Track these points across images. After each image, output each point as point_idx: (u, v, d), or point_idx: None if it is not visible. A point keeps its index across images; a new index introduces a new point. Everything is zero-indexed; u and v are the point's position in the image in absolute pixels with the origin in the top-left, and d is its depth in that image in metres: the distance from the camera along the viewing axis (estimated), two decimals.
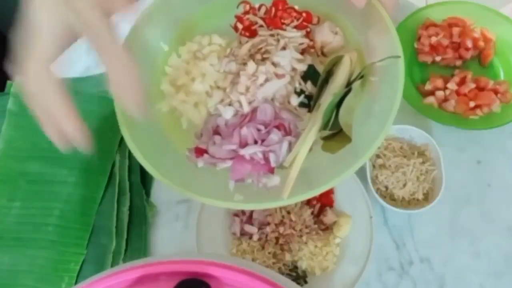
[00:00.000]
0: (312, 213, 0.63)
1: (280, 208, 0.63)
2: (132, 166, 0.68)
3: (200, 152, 0.50)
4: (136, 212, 0.65)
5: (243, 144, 0.49)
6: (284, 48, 0.54)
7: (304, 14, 0.57)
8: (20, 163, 0.67)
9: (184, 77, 0.54)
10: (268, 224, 0.62)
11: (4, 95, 0.73)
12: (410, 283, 0.62)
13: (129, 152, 0.68)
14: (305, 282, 0.60)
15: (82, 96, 0.72)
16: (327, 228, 0.63)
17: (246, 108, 0.51)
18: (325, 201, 0.64)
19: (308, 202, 0.64)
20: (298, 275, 0.61)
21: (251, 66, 0.52)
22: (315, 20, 0.58)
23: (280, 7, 0.57)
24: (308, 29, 0.57)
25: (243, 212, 0.63)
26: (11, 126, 0.70)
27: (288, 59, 0.53)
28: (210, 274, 0.38)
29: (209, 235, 0.62)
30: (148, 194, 0.68)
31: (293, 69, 0.53)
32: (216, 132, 0.51)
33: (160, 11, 0.56)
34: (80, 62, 0.80)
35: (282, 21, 0.57)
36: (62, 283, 0.61)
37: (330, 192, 0.64)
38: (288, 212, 0.63)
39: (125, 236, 0.63)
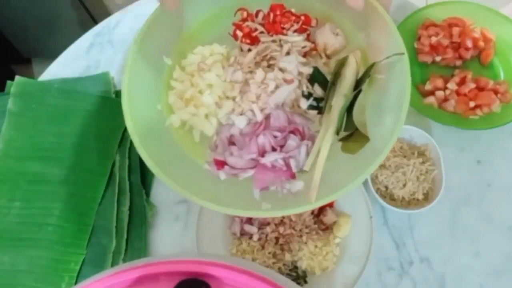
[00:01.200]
0: (312, 213, 0.63)
1: None
2: (132, 166, 0.68)
3: (220, 164, 0.50)
4: (136, 212, 0.65)
5: (262, 152, 0.49)
6: (288, 53, 0.54)
7: (302, 17, 0.57)
8: (20, 163, 0.67)
9: (191, 89, 0.54)
10: (268, 224, 0.62)
11: (4, 95, 0.73)
12: (410, 283, 0.62)
13: (129, 152, 0.68)
14: (305, 282, 0.60)
15: (82, 96, 0.72)
16: (327, 228, 0.63)
17: (260, 116, 0.51)
18: None
19: None
20: (298, 275, 0.61)
21: (260, 74, 0.52)
22: (314, 22, 0.58)
23: (278, 12, 0.57)
24: (308, 32, 0.57)
25: None
26: (11, 126, 0.70)
27: (295, 64, 0.53)
28: (210, 274, 0.38)
29: (209, 235, 0.62)
30: (148, 194, 0.68)
31: (299, 73, 0.53)
32: (231, 142, 0.51)
33: (158, 25, 0.56)
34: (80, 62, 0.80)
35: (282, 25, 0.57)
36: (62, 283, 0.61)
37: None
38: None
39: (125, 236, 0.63)
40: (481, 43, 0.74)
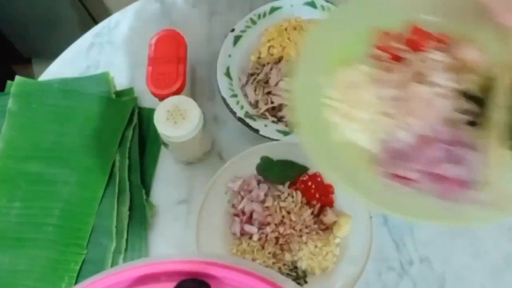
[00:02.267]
0: (312, 213, 0.63)
1: (280, 208, 0.63)
2: (132, 166, 0.68)
3: (399, 177, 0.51)
4: (136, 212, 0.65)
5: (432, 164, 0.50)
6: (436, 69, 0.55)
7: (442, 38, 0.58)
8: (20, 163, 0.67)
9: (347, 107, 0.55)
10: (268, 224, 0.62)
11: (4, 95, 0.73)
12: (410, 283, 0.62)
13: (129, 152, 0.68)
14: (305, 282, 0.60)
15: (82, 96, 0.73)
16: (327, 228, 0.63)
17: (422, 130, 0.52)
18: (325, 201, 0.64)
19: (308, 202, 0.64)
20: (298, 275, 0.61)
21: (418, 88, 0.53)
22: (452, 41, 0.58)
23: (418, 35, 0.58)
24: (447, 50, 0.58)
25: (243, 212, 0.63)
26: (11, 126, 0.70)
27: (446, 80, 0.54)
28: (210, 274, 0.38)
29: (209, 235, 0.62)
30: (147, 194, 0.68)
31: (451, 89, 0.54)
32: (396, 157, 0.52)
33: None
34: (80, 62, 0.80)
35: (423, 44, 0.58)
36: (62, 283, 0.61)
37: (330, 192, 0.64)
38: (288, 212, 0.63)
39: (125, 236, 0.63)
40: None
